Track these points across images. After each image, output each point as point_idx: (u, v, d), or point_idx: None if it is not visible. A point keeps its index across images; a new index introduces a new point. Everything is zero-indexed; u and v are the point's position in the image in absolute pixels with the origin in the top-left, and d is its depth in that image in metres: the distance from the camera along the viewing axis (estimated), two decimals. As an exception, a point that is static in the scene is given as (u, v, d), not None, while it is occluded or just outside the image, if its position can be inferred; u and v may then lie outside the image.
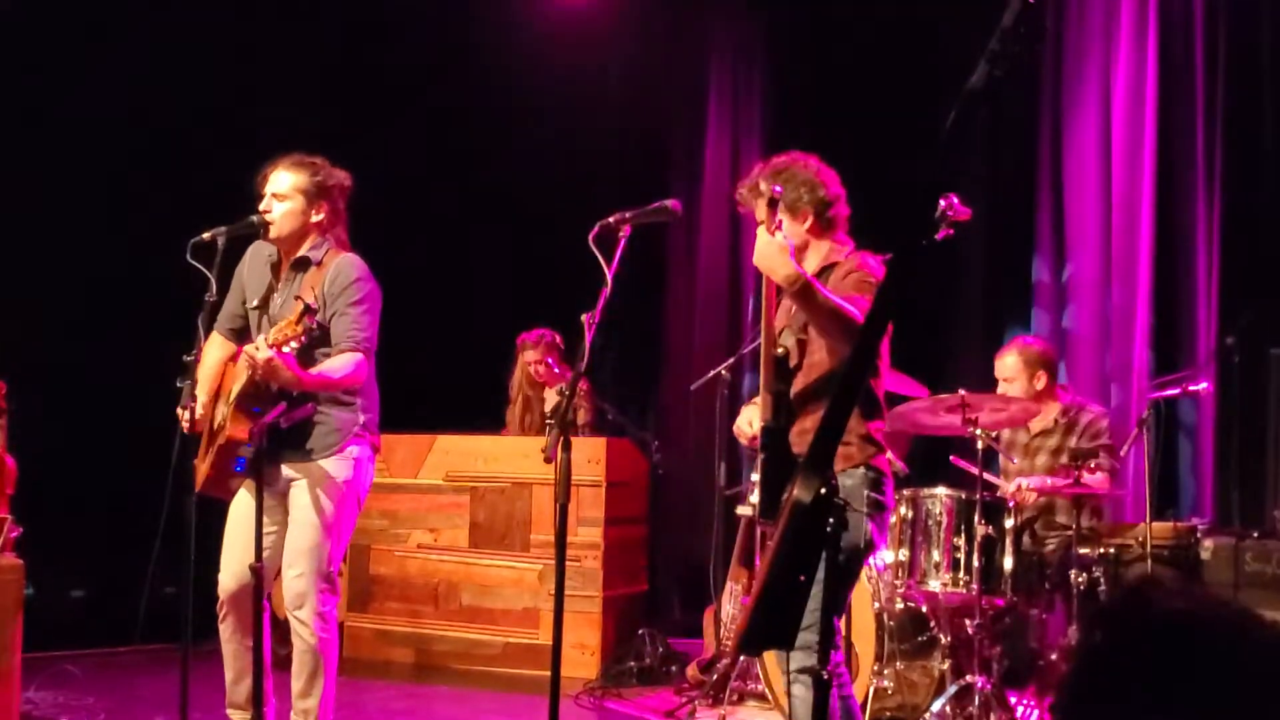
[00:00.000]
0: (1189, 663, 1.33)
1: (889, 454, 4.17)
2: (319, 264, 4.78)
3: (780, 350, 3.97)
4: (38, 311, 7.68)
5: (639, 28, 9.44)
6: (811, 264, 4.15)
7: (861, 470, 4.01)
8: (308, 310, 4.34)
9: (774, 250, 3.82)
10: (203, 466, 4.75)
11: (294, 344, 4.37)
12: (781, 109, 9.06)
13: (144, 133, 8.08)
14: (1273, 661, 1.33)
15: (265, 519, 4.58)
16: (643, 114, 9.57)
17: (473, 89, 9.43)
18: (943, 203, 4.05)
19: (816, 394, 4.01)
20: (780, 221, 3.98)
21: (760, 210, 4.04)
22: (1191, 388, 6.22)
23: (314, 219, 4.80)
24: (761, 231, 3.90)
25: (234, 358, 4.88)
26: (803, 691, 3.81)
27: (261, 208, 4.77)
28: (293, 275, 4.81)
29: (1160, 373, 7.13)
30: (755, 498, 4.00)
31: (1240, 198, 7.39)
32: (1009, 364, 6.45)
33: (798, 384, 4.01)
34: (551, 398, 8.14)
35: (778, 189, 4.04)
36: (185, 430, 4.65)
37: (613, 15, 9.26)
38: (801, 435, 3.91)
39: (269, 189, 4.79)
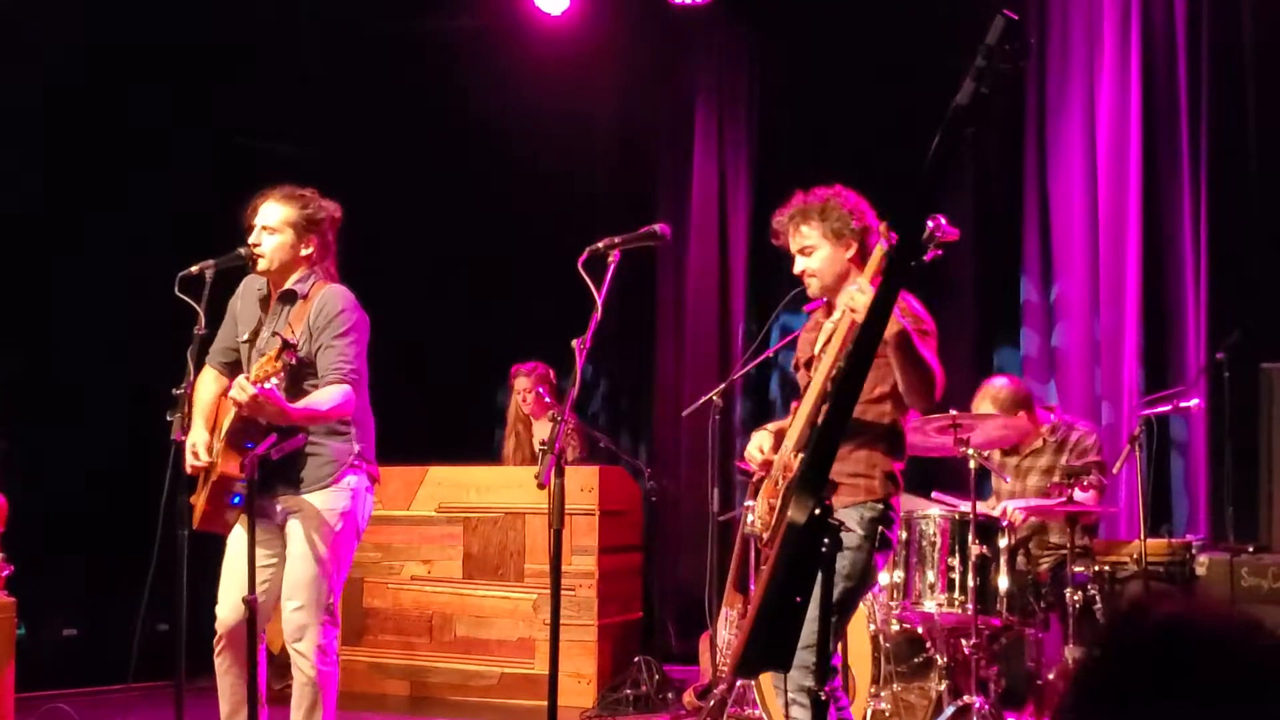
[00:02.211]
0: (1187, 664, 1.33)
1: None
2: (305, 297, 4.77)
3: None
4: (29, 349, 7.67)
5: (627, 56, 9.47)
6: None
7: (881, 506, 4.06)
8: (286, 346, 4.33)
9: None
10: (198, 502, 4.73)
11: (275, 380, 4.35)
12: (767, 135, 9.08)
13: (131, 167, 8.08)
14: (1270, 666, 1.33)
15: (263, 551, 4.57)
16: (631, 142, 9.60)
17: (464, 120, 9.46)
18: (930, 224, 4.06)
19: (853, 426, 4.03)
20: (856, 254, 4.07)
21: (824, 238, 4.12)
22: (1183, 405, 6.23)
23: (303, 252, 4.79)
24: (865, 284, 3.91)
25: (226, 392, 4.87)
26: (801, 713, 3.81)
27: (251, 240, 4.75)
28: (279, 308, 4.80)
29: (1151, 390, 7.13)
30: (761, 514, 4.01)
31: (1227, 213, 7.41)
32: (986, 411, 6.39)
33: (821, 420, 4.03)
34: (540, 429, 8.14)
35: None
36: (190, 472, 4.63)
37: (602, 45, 9.28)
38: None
39: (258, 221, 4.77)
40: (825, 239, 4.18)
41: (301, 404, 4.56)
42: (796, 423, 4.01)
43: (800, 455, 3.89)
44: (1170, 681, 1.33)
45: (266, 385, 4.34)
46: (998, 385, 6.51)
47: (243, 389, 4.34)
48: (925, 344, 4.00)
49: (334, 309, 4.71)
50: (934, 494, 6.32)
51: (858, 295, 3.89)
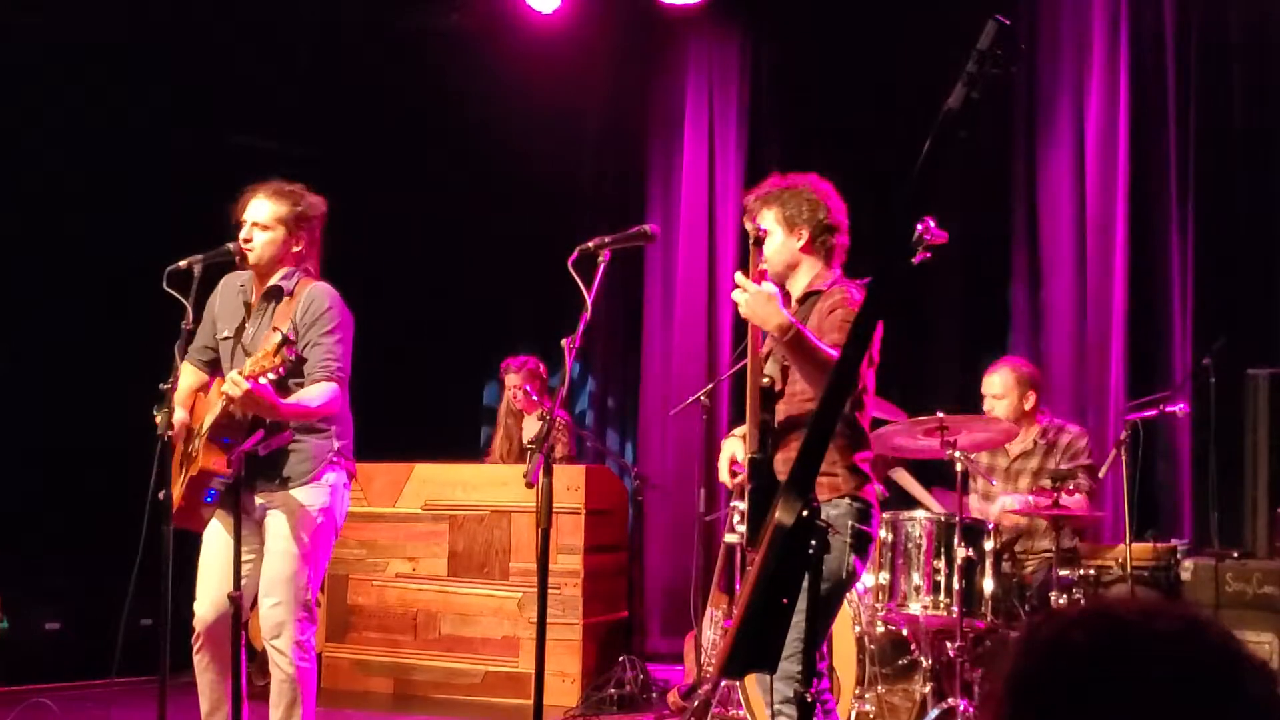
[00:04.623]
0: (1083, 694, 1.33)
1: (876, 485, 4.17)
2: (290, 294, 4.77)
3: (765, 380, 3.96)
4: (11, 342, 7.65)
5: (618, 55, 9.47)
6: (798, 285, 4.17)
7: (847, 501, 3.98)
8: (286, 342, 4.32)
9: (763, 302, 3.82)
10: (178, 491, 4.71)
11: (271, 375, 4.34)
12: (757, 136, 9.08)
13: (111, 160, 8.06)
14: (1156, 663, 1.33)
15: (242, 547, 4.55)
16: (621, 141, 9.60)
17: (454, 117, 9.45)
18: (920, 226, 4.06)
19: (800, 421, 4.00)
20: (764, 271, 4.00)
21: (779, 224, 4.07)
22: (1168, 409, 6.24)
23: (293, 249, 4.80)
24: (747, 283, 3.88)
25: (205, 388, 4.87)
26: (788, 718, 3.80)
27: (243, 235, 4.74)
28: (265, 305, 4.79)
29: (1136, 395, 7.14)
30: (743, 527, 3.98)
31: (1214, 219, 7.43)
32: (1001, 380, 6.43)
33: (780, 412, 4.00)
34: (531, 425, 8.15)
35: (763, 229, 4.06)
36: (162, 435, 4.59)
37: (592, 44, 9.28)
38: (786, 463, 3.87)
39: (249, 217, 4.76)
40: (778, 225, 4.15)
41: (292, 400, 4.56)
42: (747, 427, 3.99)
43: (752, 458, 3.87)
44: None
45: (261, 380, 4.33)
46: (1018, 360, 6.64)
47: (237, 384, 4.32)
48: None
49: (321, 306, 4.71)
50: (932, 489, 6.36)
51: (736, 295, 3.90)
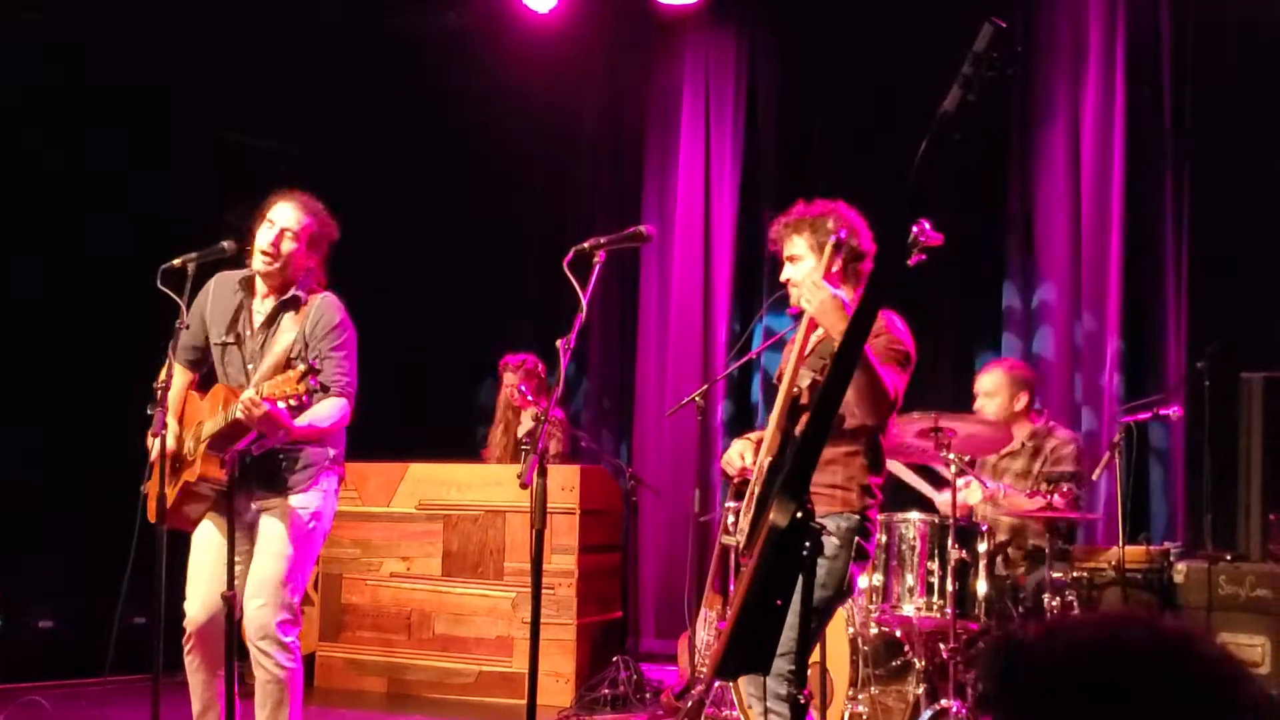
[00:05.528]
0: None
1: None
2: (302, 303, 4.78)
3: (796, 390, 4.00)
4: (11, 342, 7.64)
5: (614, 56, 9.48)
6: None
7: (858, 518, 4.07)
8: (311, 371, 4.30)
9: (836, 306, 3.88)
10: (169, 493, 4.70)
11: (292, 402, 4.34)
12: (753, 137, 9.09)
13: (101, 160, 8.06)
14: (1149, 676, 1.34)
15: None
16: (617, 141, 9.60)
17: (451, 117, 9.45)
18: (915, 228, 4.07)
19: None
20: (838, 273, 4.08)
21: (811, 249, 4.11)
22: (1162, 412, 6.26)
23: (309, 264, 4.82)
24: (824, 284, 3.93)
25: (193, 385, 4.89)
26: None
27: (269, 240, 4.71)
28: (280, 313, 4.79)
29: (1130, 398, 7.16)
30: (741, 527, 4.00)
31: (1210, 221, 7.44)
32: (993, 380, 6.47)
33: (804, 424, 4.02)
34: (527, 422, 8.15)
35: (843, 232, 4.10)
36: (154, 462, 4.63)
37: (589, 44, 9.29)
38: None
39: (280, 221, 4.74)
40: (811, 250, 4.20)
41: (304, 420, 4.56)
42: (768, 433, 4.02)
43: (772, 463, 3.89)
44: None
45: (279, 405, 4.33)
46: (1013, 362, 6.66)
47: (255, 405, 4.32)
48: (889, 364, 3.99)
49: (331, 320, 4.74)
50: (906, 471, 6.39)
51: (801, 291, 3.97)
